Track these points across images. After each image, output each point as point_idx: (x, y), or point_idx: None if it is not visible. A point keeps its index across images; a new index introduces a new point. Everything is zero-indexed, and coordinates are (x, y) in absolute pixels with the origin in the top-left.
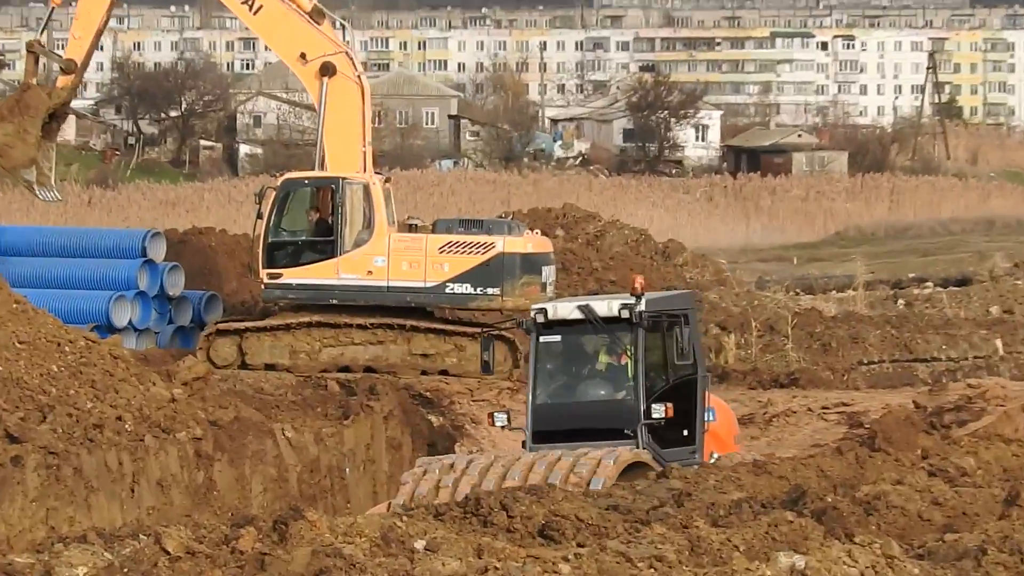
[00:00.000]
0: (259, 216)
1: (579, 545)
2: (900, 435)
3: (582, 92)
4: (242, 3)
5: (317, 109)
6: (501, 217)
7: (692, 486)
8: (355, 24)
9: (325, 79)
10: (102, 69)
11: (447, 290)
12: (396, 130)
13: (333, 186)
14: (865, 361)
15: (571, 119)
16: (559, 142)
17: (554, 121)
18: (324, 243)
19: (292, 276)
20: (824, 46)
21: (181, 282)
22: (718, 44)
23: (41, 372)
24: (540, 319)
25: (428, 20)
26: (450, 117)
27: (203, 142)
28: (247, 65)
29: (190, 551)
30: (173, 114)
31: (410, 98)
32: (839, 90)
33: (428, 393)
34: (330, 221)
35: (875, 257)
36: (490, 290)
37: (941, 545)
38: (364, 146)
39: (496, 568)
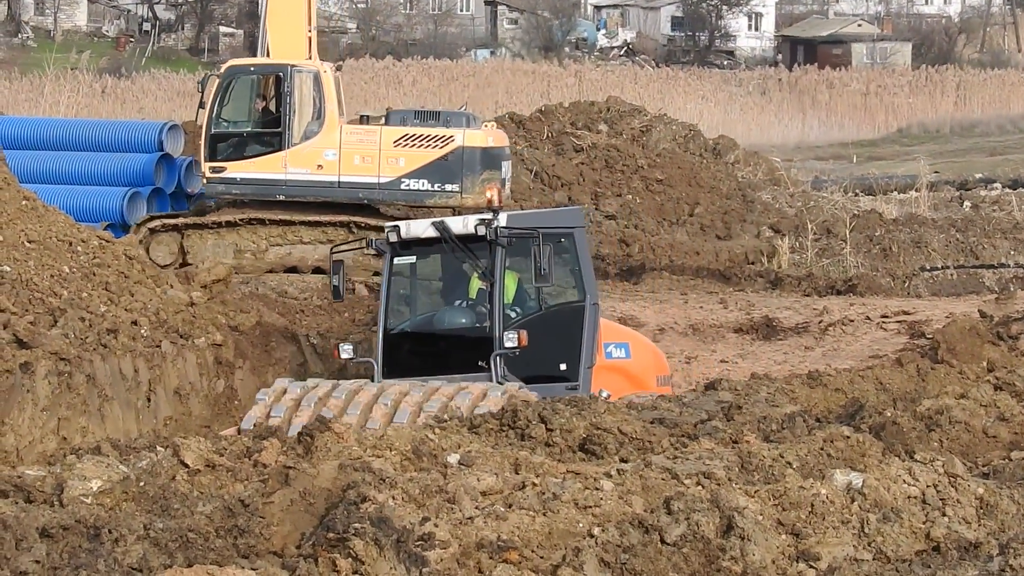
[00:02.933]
0: (201, 106)
1: (622, 460)
2: (964, 346)
3: None
4: None
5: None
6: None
7: (743, 399)
8: None
9: None
10: None
11: (402, 186)
12: (428, 16)
13: (281, 73)
14: (928, 267)
15: (615, 5)
16: (603, 30)
17: (597, 8)
18: (271, 135)
19: (236, 170)
20: None
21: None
22: None
23: (52, 273)
24: (393, 238)
25: None
26: (486, 3)
27: (223, 28)
28: None
29: (210, 464)
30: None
31: None
32: None
33: None
34: (277, 111)
35: (940, 156)
36: (448, 187)
37: (1008, 464)
38: (310, 31)
39: (534, 484)
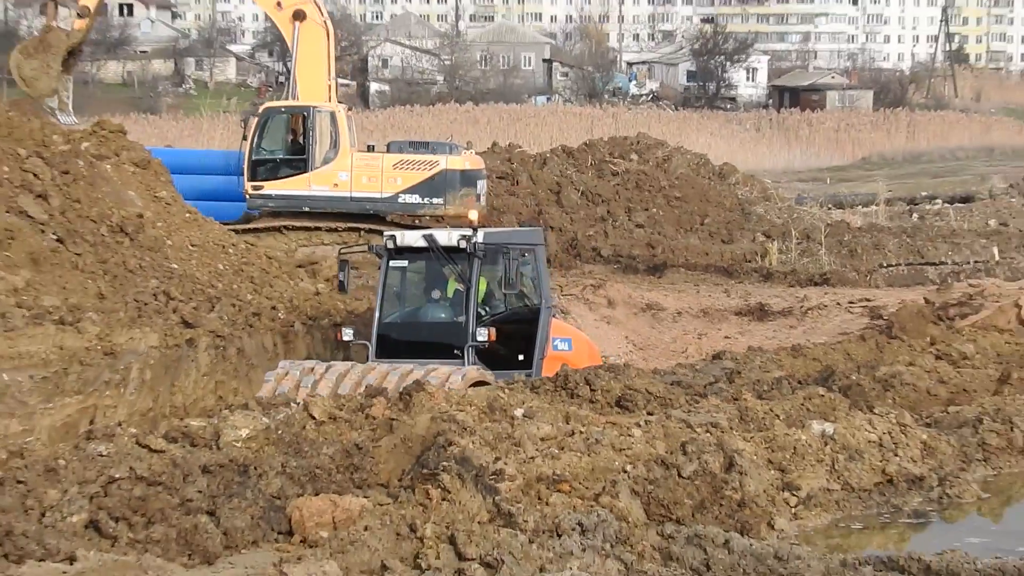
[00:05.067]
0: (244, 138)
1: (649, 413)
2: (912, 325)
3: (653, 40)
4: None
5: (290, 48)
6: (445, 140)
7: (741, 366)
8: None
9: (297, 23)
10: (257, 19)
11: (399, 200)
12: (500, 71)
13: (305, 113)
14: (884, 264)
15: (644, 62)
16: (634, 82)
17: (630, 64)
18: (298, 160)
19: (271, 188)
20: (855, 1)
21: None
22: (766, 0)
23: (210, 270)
24: (390, 245)
25: None
26: (544, 61)
27: (340, 80)
28: (376, 16)
29: (332, 417)
30: None
31: (511, 44)
32: (867, 39)
33: None
34: (302, 142)
35: (894, 178)
36: (434, 200)
37: (945, 416)
38: (329, 79)
39: (581, 431)
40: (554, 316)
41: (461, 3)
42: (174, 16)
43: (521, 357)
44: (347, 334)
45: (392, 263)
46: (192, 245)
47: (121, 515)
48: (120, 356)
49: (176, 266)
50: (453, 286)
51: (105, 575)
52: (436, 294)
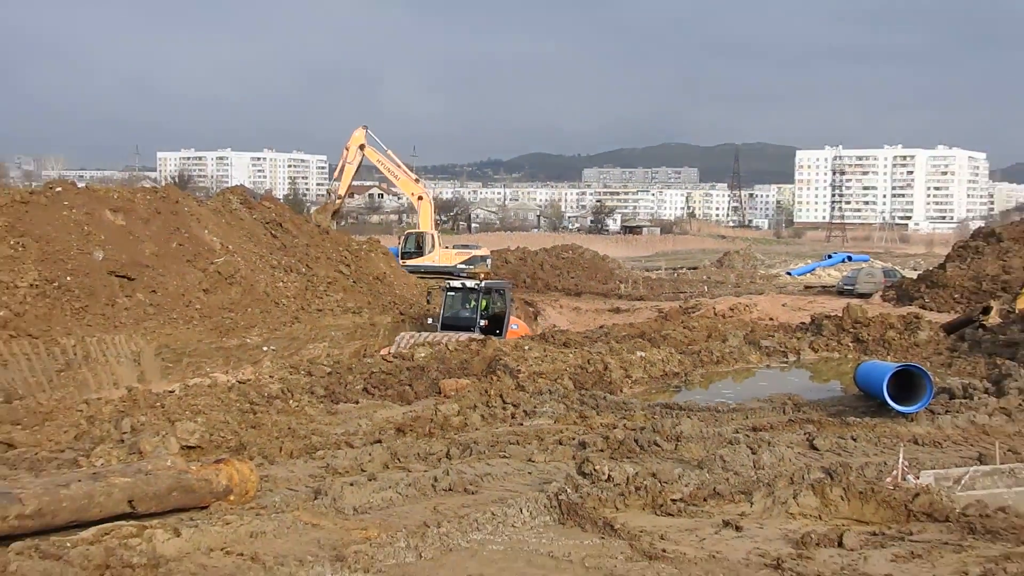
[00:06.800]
0: (399, 245)
1: (575, 347)
2: (674, 315)
3: (578, 208)
4: (394, 177)
5: (416, 210)
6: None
7: (610, 330)
8: (506, 184)
9: (421, 200)
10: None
11: (458, 266)
12: (520, 219)
13: (423, 233)
14: (664, 292)
15: (575, 217)
16: (571, 223)
17: (570, 217)
18: (420, 251)
19: (410, 263)
20: (653, 194)
21: None
22: (619, 193)
23: (411, 293)
24: (447, 286)
25: (530, 184)
26: (536, 215)
27: (461, 222)
28: (474, 198)
29: (456, 348)
30: (450, 213)
31: (524, 209)
32: (657, 207)
33: (528, 298)
34: (420, 244)
35: (669, 260)
36: (470, 267)
37: (687, 348)
38: (432, 220)
39: (549, 354)
40: (511, 315)
41: (506, 197)
42: (397, 197)
43: (498, 331)
44: (428, 321)
45: (448, 293)
46: (404, 283)
47: (376, 385)
48: (376, 325)
49: (398, 291)
50: (471, 302)
51: (369, 408)
52: (465, 305)
